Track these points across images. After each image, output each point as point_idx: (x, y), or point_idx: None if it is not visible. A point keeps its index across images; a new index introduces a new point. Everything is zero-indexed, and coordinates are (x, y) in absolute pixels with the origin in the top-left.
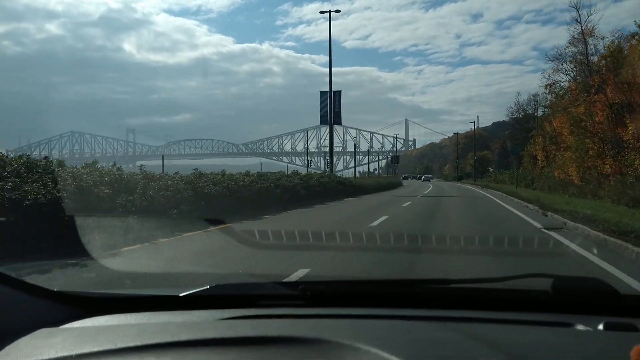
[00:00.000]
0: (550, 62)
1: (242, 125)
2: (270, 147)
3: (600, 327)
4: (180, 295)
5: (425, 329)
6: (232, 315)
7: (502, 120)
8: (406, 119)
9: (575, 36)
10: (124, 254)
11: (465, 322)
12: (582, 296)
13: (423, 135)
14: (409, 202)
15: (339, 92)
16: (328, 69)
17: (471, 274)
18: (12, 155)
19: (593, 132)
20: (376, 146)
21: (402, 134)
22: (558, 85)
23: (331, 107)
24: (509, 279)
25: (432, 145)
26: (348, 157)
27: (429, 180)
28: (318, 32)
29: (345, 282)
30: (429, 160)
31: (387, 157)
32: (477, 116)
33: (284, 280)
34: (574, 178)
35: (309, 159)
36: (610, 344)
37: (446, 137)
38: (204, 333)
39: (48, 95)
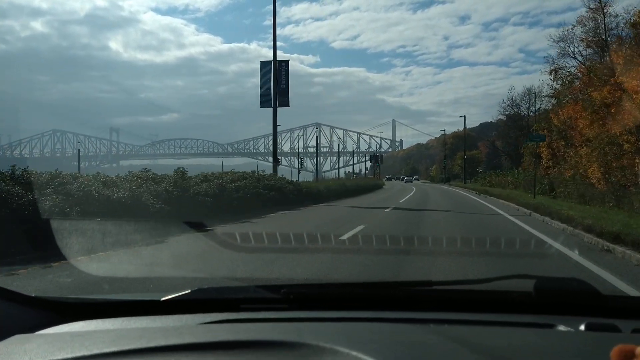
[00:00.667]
0: (555, 43)
1: (230, 125)
2: (256, 147)
3: (582, 327)
4: (161, 299)
5: (407, 332)
6: (214, 320)
7: (489, 120)
8: (393, 120)
9: (592, 6)
10: (101, 258)
11: (448, 324)
12: (564, 297)
13: (410, 137)
14: (362, 227)
15: (286, 62)
16: (316, 70)
17: None
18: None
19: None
20: (363, 147)
21: (389, 135)
22: (565, 70)
23: (276, 83)
24: (492, 280)
25: (419, 145)
26: (335, 158)
27: (412, 182)
28: (306, 32)
29: (328, 284)
30: (416, 161)
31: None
32: (465, 116)
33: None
34: (594, 180)
35: (300, 159)
36: (591, 344)
37: (433, 137)
38: (183, 338)
39: (31, 93)
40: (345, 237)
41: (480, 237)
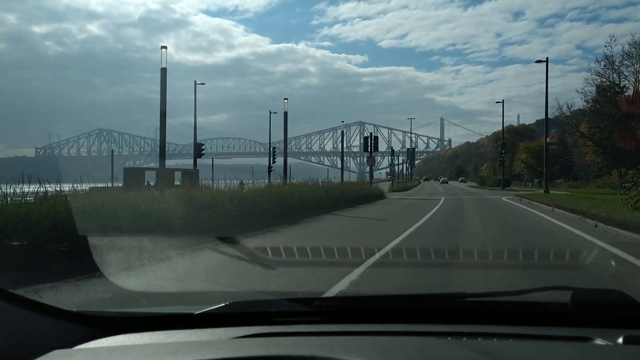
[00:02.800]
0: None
1: (275, 125)
2: (298, 146)
3: (620, 340)
4: (196, 313)
5: (439, 346)
6: (247, 333)
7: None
8: (441, 118)
9: None
10: (138, 273)
11: (482, 337)
12: (601, 309)
13: (460, 137)
14: None
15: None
16: (365, 69)
17: None
18: (40, 153)
19: None
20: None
21: (437, 134)
22: None
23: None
24: (528, 291)
25: (468, 144)
26: (379, 158)
27: (447, 183)
28: (354, 31)
29: (360, 297)
30: (464, 161)
31: (418, 158)
32: (518, 115)
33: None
34: None
35: (336, 159)
36: (629, 358)
37: (484, 137)
38: (217, 352)
39: (87, 94)
40: None
41: None
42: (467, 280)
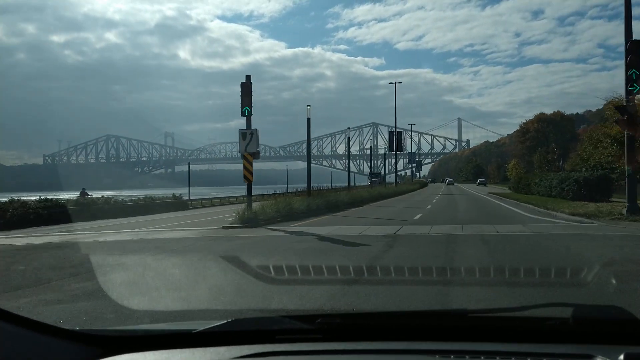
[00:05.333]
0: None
1: (293, 130)
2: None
3: (621, 358)
4: (196, 331)
5: None
6: (249, 353)
7: (575, 112)
8: (459, 119)
9: None
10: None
11: (484, 356)
12: (603, 326)
13: (479, 139)
14: None
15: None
16: (381, 72)
17: None
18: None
19: None
20: (426, 148)
21: (455, 136)
22: None
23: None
24: (529, 308)
25: (488, 144)
26: (394, 160)
27: (453, 184)
28: (370, 34)
29: (362, 314)
30: (484, 160)
31: (434, 160)
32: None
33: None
34: None
35: (350, 161)
36: None
37: (505, 136)
38: None
39: (107, 104)
40: None
41: None
42: None
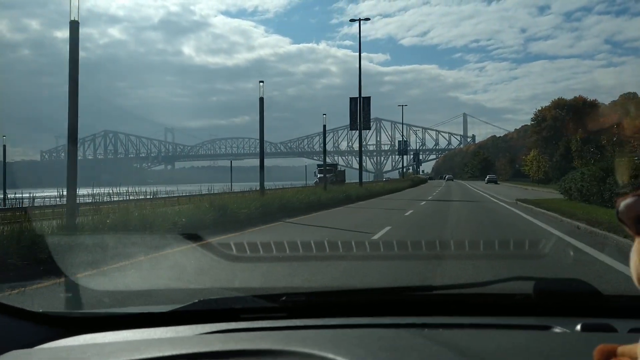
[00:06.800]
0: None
1: (298, 126)
2: (310, 145)
3: (578, 328)
4: (163, 311)
5: (398, 337)
6: (212, 330)
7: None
8: (464, 114)
9: None
10: (102, 273)
11: (444, 328)
12: (563, 298)
13: (485, 136)
14: None
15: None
16: (386, 68)
17: None
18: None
19: None
20: (430, 144)
21: (460, 131)
22: None
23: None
24: (492, 282)
25: (494, 138)
26: (397, 156)
27: (452, 180)
28: (374, 29)
29: (326, 292)
30: (491, 155)
31: (438, 156)
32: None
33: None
34: None
35: (352, 158)
36: (584, 345)
37: (512, 131)
38: (183, 348)
39: (113, 100)
40: None
41: None
42: None
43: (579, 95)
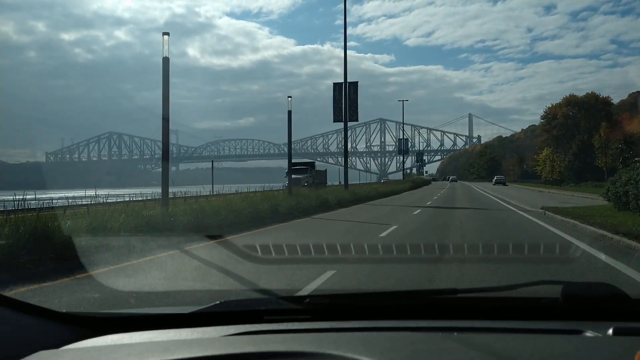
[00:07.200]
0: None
1: (304, 127)
2: (314, 146)
3: (610, 332)
4: (187, 312)
5: (429, 340)
6: (238, 332)
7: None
8: (470, 114)
9: None
10: (126, 272)
11: (472, 332)
12: (592, 302)
13: (490, 137)
14: None
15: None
16: (391, 69)
17: None
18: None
19: None
20: (435, 145)
21: (465, 132)
22: None
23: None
24: (519, 286)
25: (501, 139)
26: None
27: (456, 181)
28: (379, 30)
29: (350, 295)
30: (498, 155)
31: (443, 157)
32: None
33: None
34: None
35: (355, 159)
36: (618, 349)
37: (520, 131)
38: (207, 350)
39: (117, 102)
40: None
41: None
42: None
43: (592, 92)
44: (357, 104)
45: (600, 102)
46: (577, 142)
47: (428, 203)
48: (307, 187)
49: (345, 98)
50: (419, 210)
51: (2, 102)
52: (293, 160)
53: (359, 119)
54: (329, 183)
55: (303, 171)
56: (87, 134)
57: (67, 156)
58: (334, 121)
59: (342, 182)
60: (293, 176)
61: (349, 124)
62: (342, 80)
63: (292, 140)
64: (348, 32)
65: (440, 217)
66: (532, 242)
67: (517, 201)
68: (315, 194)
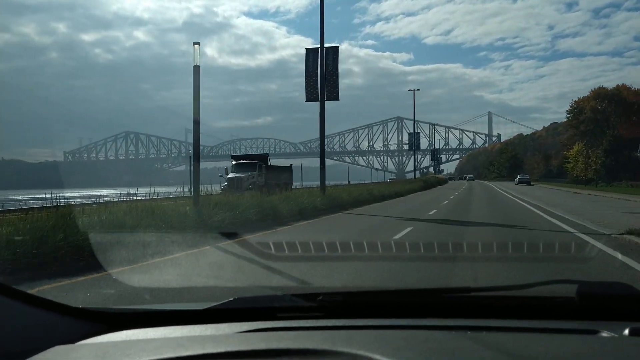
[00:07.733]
0: None
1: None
2: (331, 145)
3: (626, 332)
4: (201, 309)
5: (443, 339)
6: (251, 328)
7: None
8: (489, 112)
9: None
10: (142, 269)
11: (486, 331)
12: (607, 302)
13: (509, 136)
14: None
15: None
16: (410, 67)
17: None
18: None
19: None
20: (454, 143)
21: (485, 130)
22: None
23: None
24: (532, 285)
25: (521, 136)
26: (419, 156)
27: (473, 180)
28: (397, 29)
29: (364, 292)
30: (519, 153)
31: (461, 155)
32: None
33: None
34: None
35: (372, 158)
36: (635, 350)
37: (541, 129)
38: (221, 346)
39: (136, 102)
40: None
41: None
42: None
43: (622, 84)
44: (336, 77)
45: (632, 94)
46: (608, 137)
47: (432, 212)
48: (255, 190)
49: (323, 70)
50: (408, 230)
51: (24, 102)
52: (244, 154)
53: (339, 98)
54: (338, 182)
55: (248, 168)
56: (104, 134)
57: (85, 155)
58: (306, 100)
59: (356, 182)
60: (234, 175)
61: (363, 122)
62: (362, 81)
63: (308, 139)
64: (366, 31)
65: (426, 269)
66: None
67: (563, 211)
68: (257, 201)
